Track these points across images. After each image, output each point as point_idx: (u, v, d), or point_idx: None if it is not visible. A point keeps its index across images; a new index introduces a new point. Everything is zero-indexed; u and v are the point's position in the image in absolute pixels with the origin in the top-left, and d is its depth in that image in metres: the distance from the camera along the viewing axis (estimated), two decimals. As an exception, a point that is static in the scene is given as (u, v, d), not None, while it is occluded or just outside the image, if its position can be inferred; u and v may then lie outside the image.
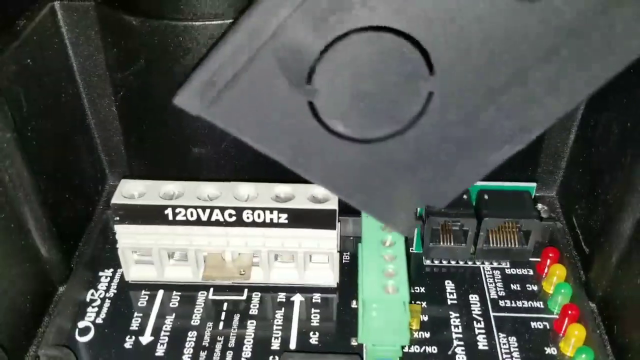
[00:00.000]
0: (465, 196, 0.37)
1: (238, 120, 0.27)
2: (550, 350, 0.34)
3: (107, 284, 0.37)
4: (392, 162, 0.29)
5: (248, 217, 0.35)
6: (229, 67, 0.25)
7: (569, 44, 0.25)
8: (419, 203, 0.30)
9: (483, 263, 0.39)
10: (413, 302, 0.36)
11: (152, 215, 0.34)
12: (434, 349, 0.34)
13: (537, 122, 0.27)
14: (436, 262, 0.39)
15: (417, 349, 0.34)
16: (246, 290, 0.37)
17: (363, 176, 0.29)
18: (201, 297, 0.37)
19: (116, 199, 0.34)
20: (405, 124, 0.28)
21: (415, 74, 0.26)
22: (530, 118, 0.27)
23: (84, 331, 0.34)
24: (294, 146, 0.28)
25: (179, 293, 0.37)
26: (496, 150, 0.28)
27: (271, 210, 0.34)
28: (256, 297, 0.37)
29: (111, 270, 0.38)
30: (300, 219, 0.35)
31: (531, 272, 0.38)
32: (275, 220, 0.35)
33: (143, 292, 0.37)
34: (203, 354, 0.33)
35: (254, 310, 0.36)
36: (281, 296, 0.37)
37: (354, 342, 0.34)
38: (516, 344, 0.34)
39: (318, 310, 0.36)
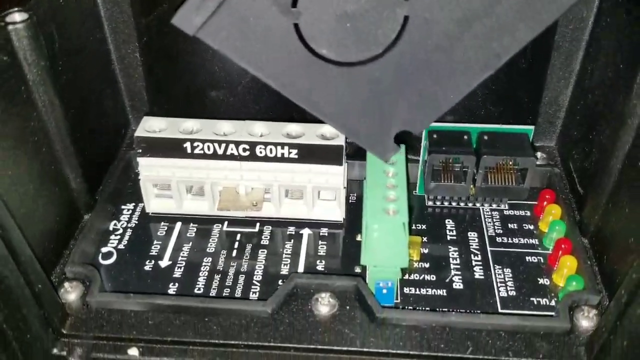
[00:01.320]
0: (465, 137, 0.39)
1: (230, 41, 0.29)
2: (543, 281, 0.36)
3: (129, 216, 0.40)
4: (373, 86, 0.31)
5: (261, 152, 0.37)
6: None
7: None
8: (398, 127, 0.33)
9: (482, 205, 0.41)
10: (416, 236, 0.38)
11: (172, 148, 0.37)
12: (433, 277, 0.36)
13: (506, 48, 0.29)
14: (438, 203, 0.41)
15: (416, 276, 0.36)
16: (258, 223, 0.39)
17: (346, 100, 0.32)
18: (216, 228, 0.39)
19: (139, 132, 0.37)
20: (384, 47, 0.30)
21: None
22: (500, 45, 0.29)
23: (107, 255, 0.37)
24: (282, 69, 0.30)
25: (196, 225, 0.39)
26: (469, 76, 0.30)
27: (282, 145, 0.37)
28: (267, 230, 0.39)
29: (133, 204, 0.41)
30: (309, 154, 0.37)
31: (528, 214, 0.40)
32: (285, 155, 0.37)
33: (162, 223, 0.39)
34: (217, 277, 0.36)
35: (265, 241, 0.38)
36: (291, 229, 0.39)
37: (357, 269, 0.36)
38: (511, 275, 0.36)
39: (325, 243, 0.38)
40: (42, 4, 0.34)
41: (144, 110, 0.45)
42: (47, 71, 0.33)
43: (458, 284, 0.36)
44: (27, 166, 0.33)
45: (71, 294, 0.34)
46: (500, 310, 0.34)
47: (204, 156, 0.37)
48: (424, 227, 0.40)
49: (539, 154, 0.43)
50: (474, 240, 0.38)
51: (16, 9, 0.32)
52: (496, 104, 0.41)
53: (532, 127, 0.39)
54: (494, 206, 0.41)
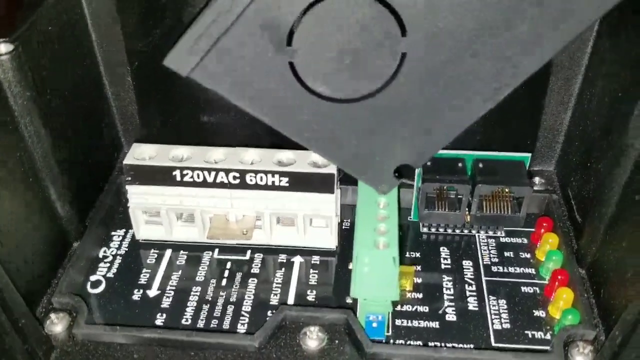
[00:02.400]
0: (460, 164, 0.38)
1: (224, 80, 0.29)
2: (538, 313, 0.35)
3: (119, 242, 0.39)
4: (370, 122, 0.30)
5: (251, 180, 0.36)
6: (213, 30, 0.27)
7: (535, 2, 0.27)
8: (397, 161, 0.32)
9: (478, 232, 0.40)
10: (408, 265, 0.37)
11: (161, 176, 0.37)
12: (425, 308, 0.36)
13: (507, 81, 0.29)
14: (433, 230, 0.40)
15: (409, 307, 0.36)
16: (249, 251, 0.39)
17: (343, 135, 0.31)
18: (206, 256, 0.39)
19: (128, 160, 0.37)
20: (381, 84, 0.29)
21: (389, 35, 0.27)
22: (501, 78, 0.28)
23: (96, 284, 0.37)
24: (277, 106, 0.30)
25: (186, 252, 0.39)
26: (469, 110, 0.30)
27: (273, 173, 0.36)
28: (258, 257, 0.39)
29: (123, 230, 0.40)
30: (300, 182, 0.36)
31: (525, 241, 0.39)
32: (276, 183, 0.36)
33: (152, 250, 0.39)
34: (205, 307, 0.35)
35: (255, 270, 0.38)
36: (282, 257, 0.39)
37: (349, 300, 0.36)
38: (505, 306, 0.36)
39: (316, 271, 0.38)
40: (30, 33, 0.33)
41: (136, 134, 0.44)
42: (33, 101, 0.33)
43: (451, 316, 0.35)
44: (12, 197, 0.33)
45: (57, 325, 0.34)
46: (493, 344, 0.34)
47: (193, 184, 0.37)
48: (417, 254, 0.39)
49: (537, 179, 0.42)
50: (469, 269, 0.38)
51: (1, 39, 0.31)
52: (493, 130, 0.41)
53: (528, 155, 0.38)
54: (490, 233, 0.40)
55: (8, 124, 0.32)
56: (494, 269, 0.38)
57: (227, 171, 0.36)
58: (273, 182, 0.36)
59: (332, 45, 0.28)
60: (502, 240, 0.40)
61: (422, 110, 0.30)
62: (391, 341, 0.34)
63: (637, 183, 0.32)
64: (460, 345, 0.33)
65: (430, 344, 0.33)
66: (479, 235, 0.40)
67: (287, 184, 0.36)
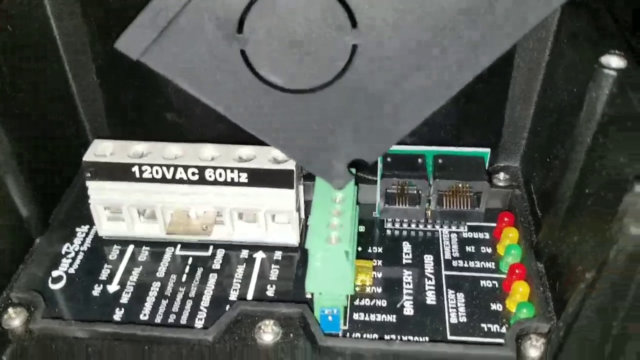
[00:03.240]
0: (420, 160, 0.38)
1: (174, 66, 0.29)
2: (495, 307, 0.35)
3: (82, 239, 0.40)
4: (322, 114, 0.31)
5: (210, 176, 0.37)
6: (163, 15, 0.27)
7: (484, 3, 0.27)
8: (350, 156, 0.32)
9: (442, 227, 0.40)
10: (368, 260, 0.37)
11: (120, 172, 0.37)
12: (384, 302, 0.36)
13: (457, 79, 0.29)
14: (397, 226, 0.40)
15: (367, 302, 0.36)
16: (211, 247, 0.39)
17: (296, 127, 0.31)
18: (168, 252, 0.39)
19: (88, 157, 0.37)
20: (333, 75, 0.29)
21: (340, 26, 0.28)
22: (451, 76, 0.29)
23: (57, 280, 0.37)
24: (229, 95, 0.30)
25: (148, 248, 0.39)
26: (420, 107, 0.30)
27: (232, 169, 0.36)
28: (220, 253, 0.39)
29: (87, 226, 0.40)
30: (259, 178, 0.36)
31: (487, 236, 0.40)
32: (235, 180, 0.37)
33: (115, 246, 0.39)
34: (164, 302, 0.36)
35: (216, 265, 0.38)
36: (244, 253, 0.39)
37: (308, 295, 0.36)
38: (463, 300, 0.36)
39: (278, 267, 0.38)
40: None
41: (104, 131, 0.44)
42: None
43: (409, 310, 0.35)
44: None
45: (15, 320, 0.34)
46: (449, 337, 0.34)
47: (152, 180, 0.37)
48: (380, 250, 0.39)
49: (502, 175, 0.42)
50: (430, 263, 0.38)
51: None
52: (456, 125, 0.41)
53: (488, 150, 0.38)
54: (453, 228, 0.40)
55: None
56: (455, 263, 0.38)
57: (185, 167, 0.36)
58: (232, 178, 0.37)
59: (283, 34, 0.28)
60: (465, 235, 0.40)
61: (375, 104, 0.31)
62: (347, 335, 0.34)
63: (588, 176, 0.32)
64: (416, 339, 0.33)
65: (385, 337, 0.34)
66: (442, 231, 0.40)
67: (247, 180, 0.37)
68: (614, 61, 0.31)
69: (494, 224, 0.40)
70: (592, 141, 0.31)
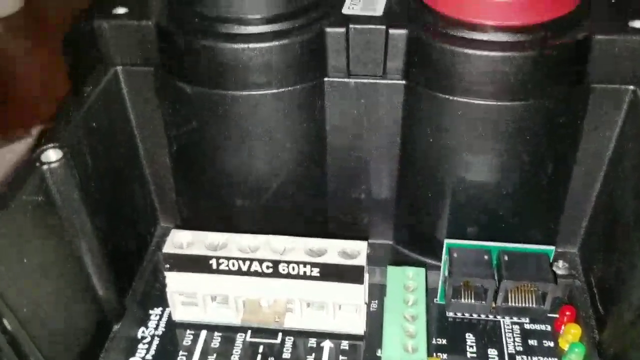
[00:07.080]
0: (486, 256, 0.39)
1: None
2: (560, 406, 0.36)
3: (156, 322, 0.41)
4: None
5: (284, 270, 0.38)
6: None
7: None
8: None
9: (503, 317, 0.41)
10: (435, 354, 0.38)
11: (198, 264, 0.38)
12: (452, 400, 0.37)
13: None
14: (459, 314, 0.41)
15: (435, 398, 0.37)
16: (280, 334, 0.40)
17: None
18: (239, 338, 0.40)
19: (167, 249, 0.38)
20: None
21: None
22: None
23: (135, 366, 0.38)
24: None
25: (220, 334, 0.40)
26: None
27: (304, 264, 0.38)
28: (289, 341, 0.40)
29: (160, 308, 0.42)
30: (330, 272, 0.38)
31: (549, 329, 0.40)
32: (307, 273, 0.38)
33: (188, 331, 0.40)
34: (240, 391, 0.37)
35: (286, 354, 0.39)
36: (312, 341, 0.40)
37: (375, 387, 0.37)
38: (529, 399, 0.37)
39: (345, 358, 0.39)
40: (76, 132, 0.35)
41: (173, 211, 0.46)
42: (80, 200, 0.35)
43: (478, 409, 0.36)
44: (57, 288, 0.35)
45: (99, 409, 0.35)
46: None
47: (228, 272, 0.38)
48: (444, 341, 0.40)
49: (560, 263, 0.43)
50: (494, 358, 0.39)
51: (51, 145, 0.33)
52: (517, 218, 0.42)
53: (552, 248, 0.39)
54: (515, 319, 0.41)
55: (56, 227, 0.34)
56: (518, 358, 0.39)
57: (260, 261, 0.38)
58: (305, 272, 0.38)
59: None
60: (527, 327, 0.40)
61: None
62: None
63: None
64: None
65: None
66: (503, 321, 0.41)
67: (318, 274, 0.38)
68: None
69: (555, 315, 0.41)
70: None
